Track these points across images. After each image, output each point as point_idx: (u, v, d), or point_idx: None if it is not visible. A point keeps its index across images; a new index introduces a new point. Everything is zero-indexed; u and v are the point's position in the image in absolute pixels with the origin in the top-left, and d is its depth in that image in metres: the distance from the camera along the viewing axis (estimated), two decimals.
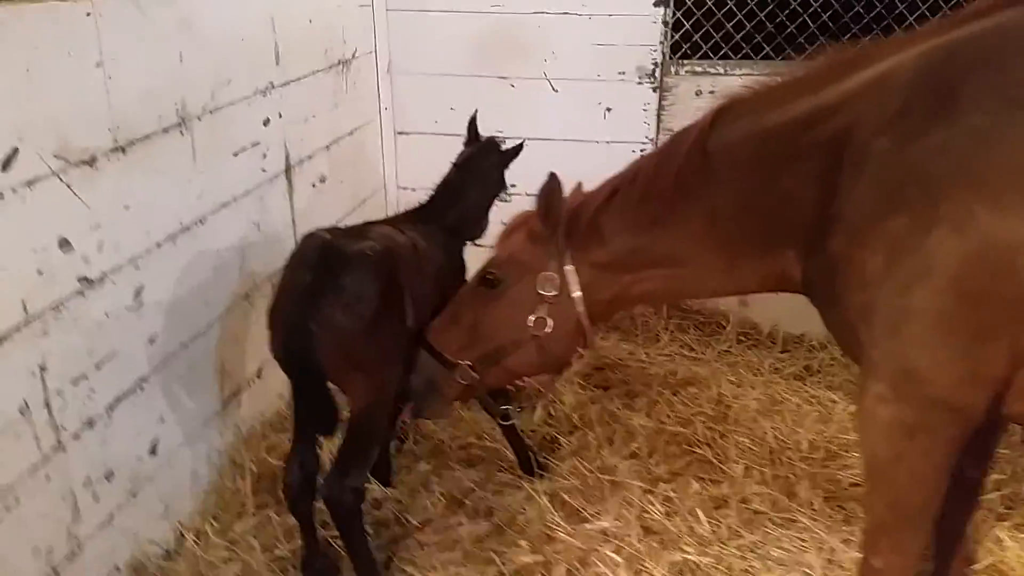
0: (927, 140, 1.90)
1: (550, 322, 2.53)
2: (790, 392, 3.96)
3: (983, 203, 1.79)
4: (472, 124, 3.33)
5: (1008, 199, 1.77)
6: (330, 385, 2.52)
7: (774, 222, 2.26)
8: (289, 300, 2.46)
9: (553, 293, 2.51)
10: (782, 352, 4.39)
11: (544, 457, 3.49)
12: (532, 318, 2.53)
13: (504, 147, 3.29)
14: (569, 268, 2.52)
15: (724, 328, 4.54)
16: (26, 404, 2.23)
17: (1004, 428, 2.49)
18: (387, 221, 3.03)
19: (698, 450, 3.53)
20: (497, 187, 3.24)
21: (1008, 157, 1.79)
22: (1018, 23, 1.90)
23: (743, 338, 4.51)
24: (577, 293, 2.51)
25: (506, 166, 3.29)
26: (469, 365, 2.61)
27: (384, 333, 2.49)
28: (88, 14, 2.33)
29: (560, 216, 2.54)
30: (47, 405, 2.31)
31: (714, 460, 3.47)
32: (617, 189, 2.50)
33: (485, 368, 2.62)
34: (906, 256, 1.91)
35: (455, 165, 3.24)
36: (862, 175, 2.03)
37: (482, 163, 3.24)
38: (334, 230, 2.70)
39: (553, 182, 2.51)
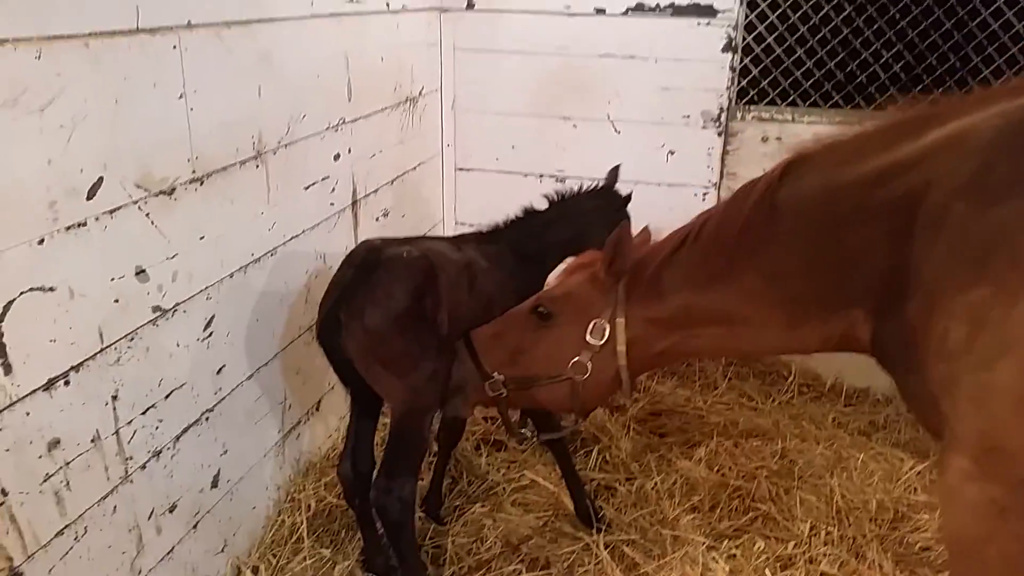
0: (1012, 205, 1.80)
1: (590, 368, 2.50)
2: (855, 448, 3.82)
3: None
4: (613, 172, 3.41)
5: None
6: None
7: (841, 281, 2.17)
8: (330, 292, 2.67)
9: (600, 342, 2.47)
10: (846, 406, 4.25)
11: (600, 506, 3.40)
12: (573, 361, 2.50)
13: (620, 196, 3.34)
14: (620, 321, 2.47)
15: (786, 379, 4.42)
16: (98, 434, 2.22)
17: None
18: (450, 238, 3.06)
19: (762, 506, 3.42)
20: (599, 230, 3.08)
21: None
22: None
23: (805, 389, 4.39)
24: (622, 348, 2.47)
25: (614, 211, 3.28)
26: (503, 381, 2.60)
27: (411, 334, 2.57)
28: (174, 47, 2.36)
29: (624, 268, 2.50)
30: (117, 435, 2.29)
31: (779, 517, 3.35)
32: (682, 243, 2.44)
33: (515, 389, 2.61)
34: (990, 328, 1.81)
35: (549, 200, 3.23)
36: (940, 238, 1.94)
37: (583, 205, 3.23)
38: (387, 239, 2.80)
39: (624, 232, 2.47)
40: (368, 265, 2.61)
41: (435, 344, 2.62)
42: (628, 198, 3.34)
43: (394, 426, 2.66)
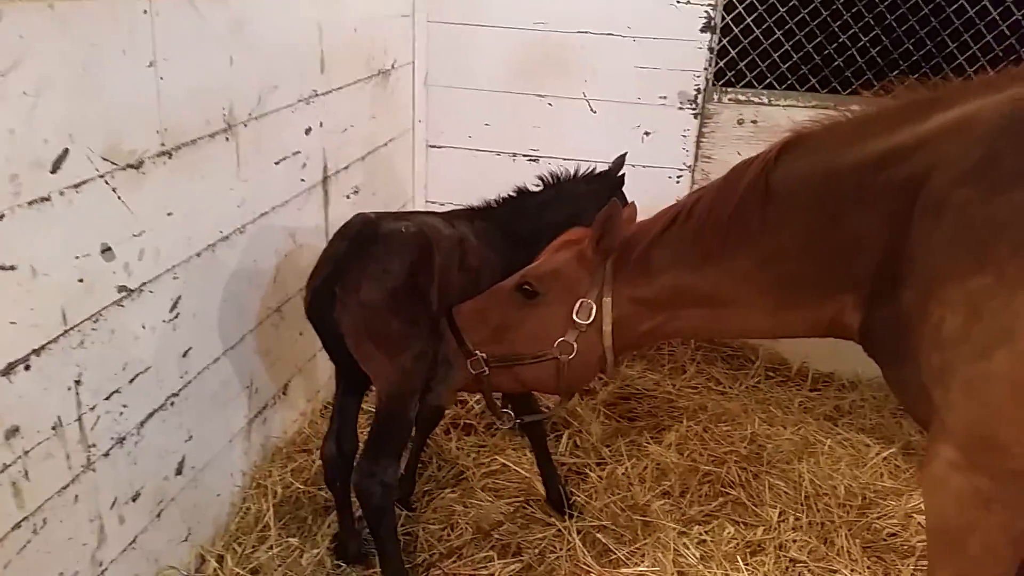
0: (1017, 195, 1.78)
1: (576, 347, 2.43)
2: (822, 434, 3.85)
3: None
4: (619, 159, 3.30)
5: None
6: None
7: (835, 266, 2.14)
8: (323, 265, 2.56)
9: (587, 322, 2.41)
10: (811, 391, 4.28)
11: (572, 491, 3.37)
12: (559, 340, 2.44)
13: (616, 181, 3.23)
14: (607, 300, 2.41)
15: (752, 363, 4.42)
16: (59, 421, 2.10)
17: None
18: (442, 214, 2.96)
19: (732, 491, 3.42)
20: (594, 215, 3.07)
21: None
22: None
23: (771, 374, 4.40)
24: (608, 327, 2.41)
25: (610, 196, 3.17)
26: (484, 358, 2.51)
27: (404, 312, 2.48)
28: (145, 11, 2.22)
29: (613, 246, 2.44)
30: (80, 422, 2.18)
31: (748, 503, 3.36)
32: (673, 222, 2.38)
33: (498, 368, 2.53)
34: (988, 317, 1.79)
35: (544, 182, 3.12)
36: (940, 225, 1.91)
37: (578, 188, 3.12)
38: (381, 212, 2.70)
39: (614, 211, 2.41)
40: (364, 238, 2.51)
41: (426, 322, 2.54)
42: (622, 180, 3.24)
43: (380, 408, 2.57)
